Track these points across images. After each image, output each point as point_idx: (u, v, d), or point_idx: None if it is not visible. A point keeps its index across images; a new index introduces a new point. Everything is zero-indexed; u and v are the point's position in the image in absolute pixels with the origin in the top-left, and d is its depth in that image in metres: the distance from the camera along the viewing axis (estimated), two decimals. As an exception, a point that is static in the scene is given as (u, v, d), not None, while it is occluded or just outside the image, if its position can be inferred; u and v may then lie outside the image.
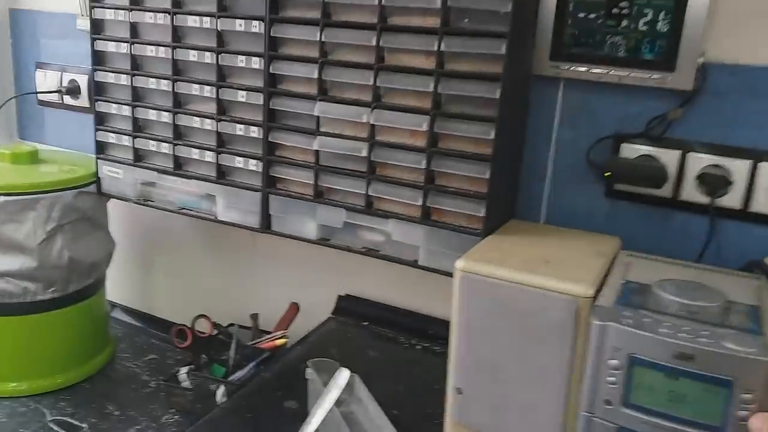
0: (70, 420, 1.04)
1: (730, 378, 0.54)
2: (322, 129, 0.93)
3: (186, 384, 1.10)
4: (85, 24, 1.21)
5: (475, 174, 0.84)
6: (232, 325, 1.19)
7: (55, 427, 1.02)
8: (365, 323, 1.12)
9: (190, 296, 1.36)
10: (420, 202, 0.88)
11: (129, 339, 1.32)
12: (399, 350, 1.05)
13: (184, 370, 1.12)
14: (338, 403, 0.84)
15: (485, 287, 0.70)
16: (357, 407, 0.84)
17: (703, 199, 0.85)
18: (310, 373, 0.83)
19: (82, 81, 1.31)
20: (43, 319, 1.10)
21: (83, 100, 1.31)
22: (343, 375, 0.69)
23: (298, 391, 0.88)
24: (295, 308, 1.14)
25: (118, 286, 1.40)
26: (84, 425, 1.03)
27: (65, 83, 1.33)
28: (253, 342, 1.16)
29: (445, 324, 1.06)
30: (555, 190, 0.95)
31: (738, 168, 0.83)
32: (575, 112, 0.91)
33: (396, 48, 0.87)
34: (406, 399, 0.90)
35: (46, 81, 1.35)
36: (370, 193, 0.91)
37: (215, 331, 1.16)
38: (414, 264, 0.92)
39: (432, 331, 1.07)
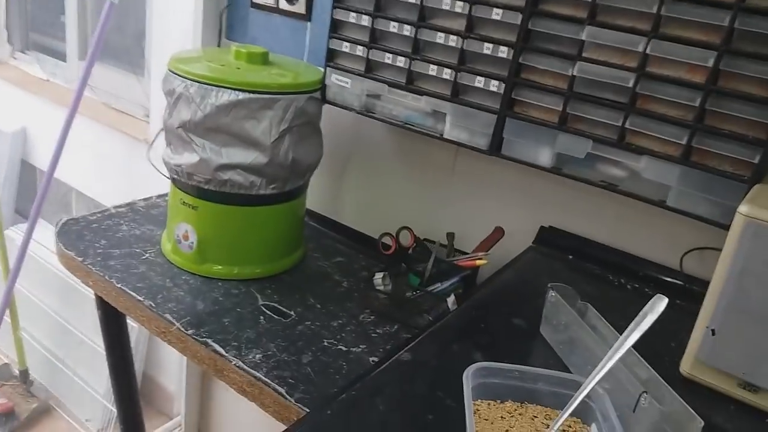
0: (278, 306, 1.12)
1: None
2: (584, 54, 0.91)
3: (381, 288, 1.15)
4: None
5: (757, 118, 0.81)
6: (432, 241, 1.23)
7: (268, 311, 1.10)
8: (570, 257, 1.12)
9: (380, 211, 1.40)
10: (684, 141, 0.85)
11: (316, 241, 1.38)
12: (610, 288, 1.04)
13: (379, 275, 1.17)
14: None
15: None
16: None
17: None
18: (553, 295, 0.84)
19: (301, -13, 1.33)
20: (260, 212, 1.17)
21: (300, 7, 1.33)
22: (661, 303, 0.64)
23: (524, 310, 0.90)
24: (500, 231, 1.16)
25: (310, 192, 1.46)
26: (292, 313, 1.11)
27: (284, -13, 1.35)
28: (451, 259, 1.19)
29: (654, 266, 1.06)
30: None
31: None
32: None
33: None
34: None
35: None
36: (626, 126, 0.89)
37: (414, 245, 1.20)
38: (661, 204, 0.90)
39: (642, 273, 1.07)
